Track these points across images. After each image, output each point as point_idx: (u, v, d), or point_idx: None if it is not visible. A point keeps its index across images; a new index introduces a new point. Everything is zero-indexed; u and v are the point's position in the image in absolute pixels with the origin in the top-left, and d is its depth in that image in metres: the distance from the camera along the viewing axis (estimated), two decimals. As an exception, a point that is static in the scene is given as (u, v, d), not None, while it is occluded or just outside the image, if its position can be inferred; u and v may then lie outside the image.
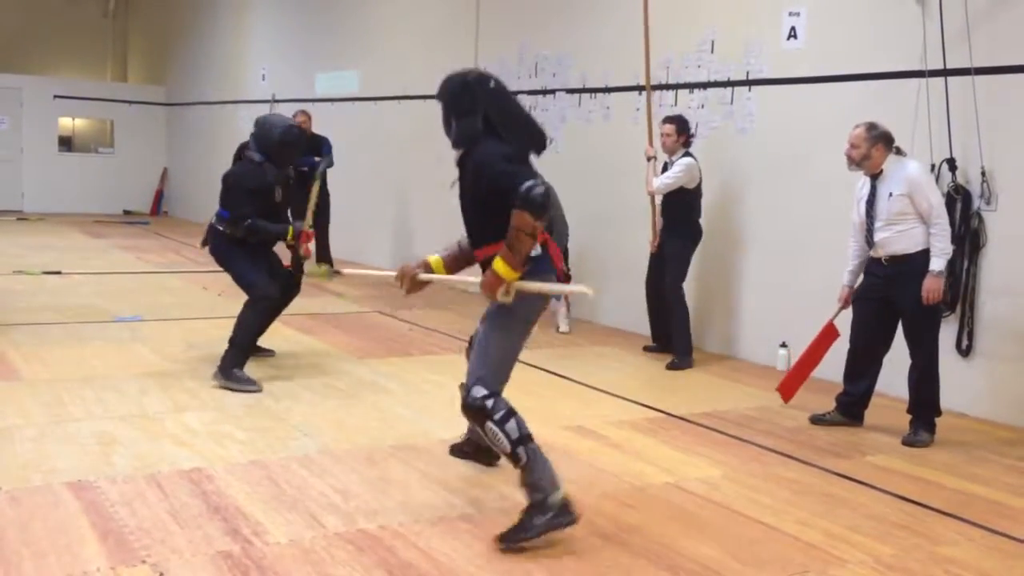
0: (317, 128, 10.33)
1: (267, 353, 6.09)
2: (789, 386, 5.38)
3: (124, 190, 17.13)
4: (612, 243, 7.90)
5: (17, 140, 16.36)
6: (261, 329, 5.76)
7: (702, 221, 6.56)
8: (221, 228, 5.61)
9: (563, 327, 7.57)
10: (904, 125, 5.53)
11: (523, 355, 6.74)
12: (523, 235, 3.24)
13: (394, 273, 3.74)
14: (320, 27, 12.50)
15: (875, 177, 4.89)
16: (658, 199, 6.57)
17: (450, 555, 3.26)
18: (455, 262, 3.78)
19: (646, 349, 6.86)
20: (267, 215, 5.61)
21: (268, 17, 14.01)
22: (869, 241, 4.94)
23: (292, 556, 3.19)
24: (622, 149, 7.78)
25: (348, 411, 5.04)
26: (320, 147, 10.14)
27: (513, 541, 3.29)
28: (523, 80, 8.87)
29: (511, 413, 3.36)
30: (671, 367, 6.37)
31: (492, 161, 3.37)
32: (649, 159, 6.54)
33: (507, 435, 3.32)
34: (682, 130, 6.41)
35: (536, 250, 3.38)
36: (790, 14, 6.44)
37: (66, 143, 17.17)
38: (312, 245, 6.28)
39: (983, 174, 5.34)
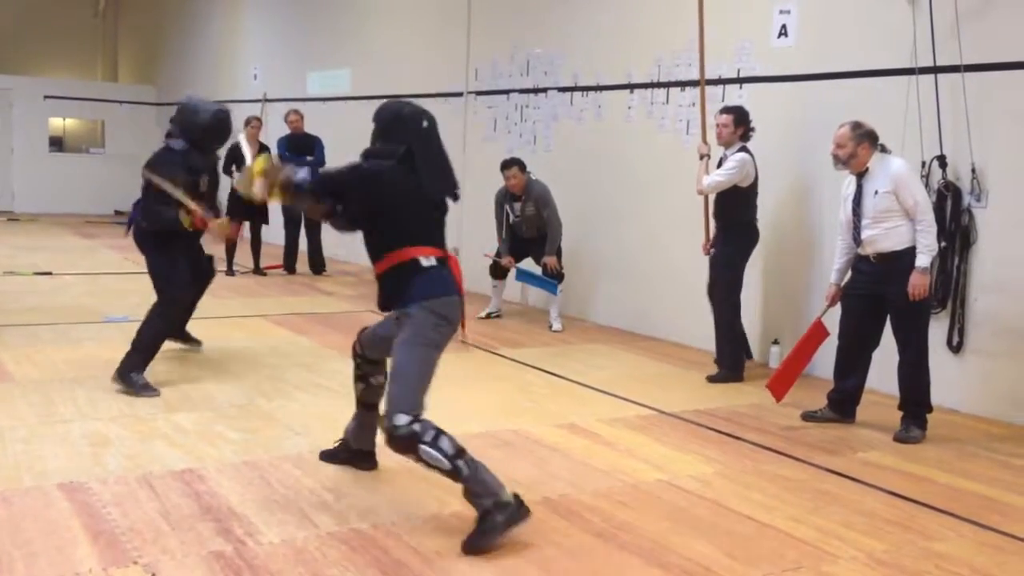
0: (309, 128, 10.32)
1: (195, 345, 6.02)
2: (780, 384, 5.36)
3: (115, 190, 17.03)
4: (604, 241, 7.91)
5: (7, 140, 16.30)
6: (169, 331, 5.49)
7: (759, 224, 6.07)
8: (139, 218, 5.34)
9: (556, 326, 7.56)
10: (894, 122, 5.55)
11: (516, 353, 6.74)
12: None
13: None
14: (312, 26, 12.48)
15: (861, 175, 4.90)
16: (710, 198, 6.11)
17: (443, 553, 3.25)
18: None
19: (711, 379, 5.99)
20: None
21: (260, 16, 13.98)
22: (856, 239, 4.96)
23: (284, 556, 3.18)
24: (614, 147, 7.79)
25: (340, 410, 5.00)
26: (312, 147, 10.14)
27: (477, 548, 3.24)
28: (515, 78, 8.88)
29: (439, 431, 3.32)
30: (712, 379, 5.98)
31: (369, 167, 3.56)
32: (702, 157, 6.05)
33: (443, 453, 3.27)
34: (740, 121, 5.86)
35: (429, 261, 3.49)
36: (781, 12, 6.45)
37: (57, 143, 17.11)
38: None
39: (973, 171, 5.36)
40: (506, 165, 7.57)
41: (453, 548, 3.30)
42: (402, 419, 3.29)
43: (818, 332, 5.31)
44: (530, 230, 7.61)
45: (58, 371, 5.54)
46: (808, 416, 5.16)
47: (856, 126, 4.86)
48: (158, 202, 5.13)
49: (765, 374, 6.27)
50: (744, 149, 5.90)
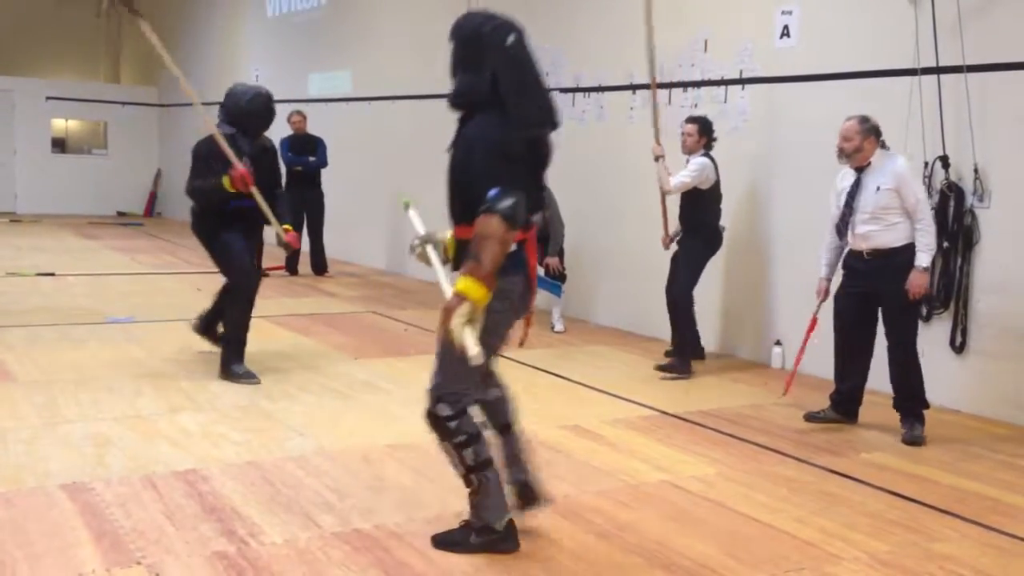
0: (311, 129, 10.33)
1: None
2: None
3: (117, 191, 17.10)
4: (606, 242, 7.90)
5: (10, 142, 16.33)
6: (247, 314, 5.56)
7: (726, 227, 6.40)
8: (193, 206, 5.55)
9: (558, 327, 7.57)
10: (897, 122, 5.54)
11: (519, 354, 6.76)
12: (490, 242, 2.91)
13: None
14: (313, 27, 12.49)
15: (861, 170, 4.89)
16: (672, 199, 6.39)
17: (445, 555, 3.25)
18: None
19: (660, 368, 6.20)
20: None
21: (261, 17, 13.99)
22: (843, 232, 4.94)
23: (287, 556, 3.18)
24: (616, 148, 7.79)
25: (343, 411, 5.03)
26: (315, 147, 10.15)
27: (444, 546, 3.27)
28: (517, 79, 8.88)
29: (472, 439, 3.15)
30: (662, 368, 6.16)
31: (482, 147, 3.05)
32: (657, 158, 6.28)
33: (463, 461, 3.16)
34: (704, 131, 6.22)
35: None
36: (783, 13, 6.45)
37: (59, 144, 17.14)
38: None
39: (976, 171, 5.35)
40: None
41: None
42: (444, 410, 3.13)
43: (813, 328, 5.25)
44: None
45: (61, 372, 5.54)
46: (811, 417, 5.16)
47: (863, 120, 4.85)
48: (196, 177, 5.39)
49: (765, 374, 6.28)
50: (706, 155, 6.24)
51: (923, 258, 4.75)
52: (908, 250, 4.78)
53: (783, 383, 5.51)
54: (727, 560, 3.30)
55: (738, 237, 6.75)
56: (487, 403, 3.38)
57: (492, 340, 3.13)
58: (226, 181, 5.26)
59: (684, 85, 7.19)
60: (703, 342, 6.69)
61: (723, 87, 6.85)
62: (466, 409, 3.18)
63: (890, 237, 4.80)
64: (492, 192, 2.94)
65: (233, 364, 5.48)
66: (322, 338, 6.90)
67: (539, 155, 3.21)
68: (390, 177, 10.86)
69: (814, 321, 5.24)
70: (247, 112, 5.49)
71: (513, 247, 3.05)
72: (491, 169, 3.01)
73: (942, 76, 5.44)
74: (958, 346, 5.48)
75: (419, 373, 5.94)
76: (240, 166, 5.26)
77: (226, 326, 5.62)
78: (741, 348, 6.82)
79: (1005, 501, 4.06)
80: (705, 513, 3.77)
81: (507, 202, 2.92)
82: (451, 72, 3.20)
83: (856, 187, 4.88)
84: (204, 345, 5.99)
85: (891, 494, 4.07)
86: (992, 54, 5.28)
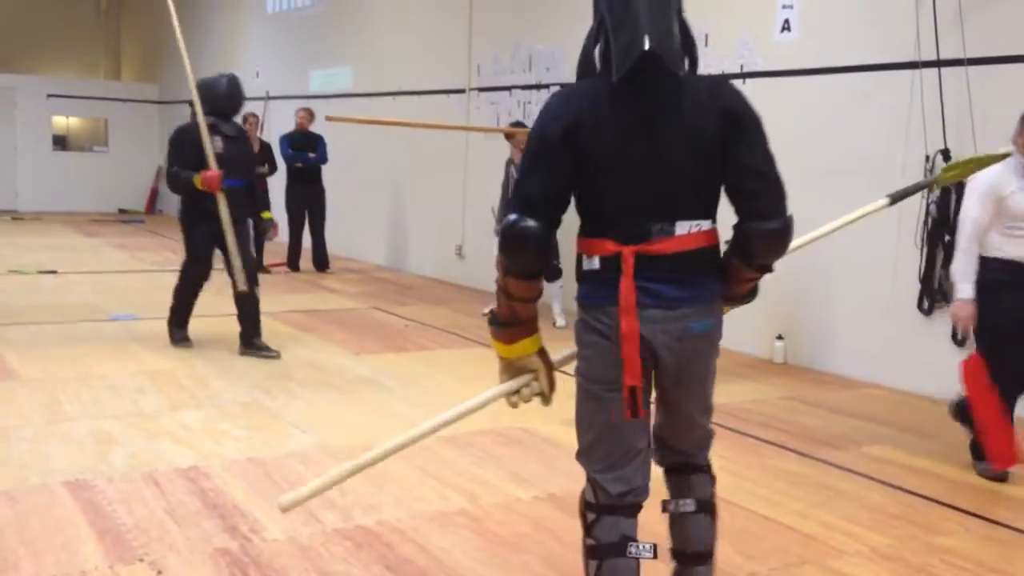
0: (312, 126, 10.32)
1: (269, 353, 6.07)
2: (1003, 452, 4.18)
3: (119, 189, 17.10)
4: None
5: (11, 139, 16.33)
6: (189, 293, 6.16)
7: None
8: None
9: (559, 321, 7.56)
10: (898, 116, 5.54)
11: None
12: (498, 289, 2.35)
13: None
14: (314, 24, 12.47)
15: None
16: None
17: (448, 550, 3.26)
18: None
19: None
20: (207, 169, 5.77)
21: (261, 13, 13.97)
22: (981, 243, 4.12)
23: (290, 552, 3.19)
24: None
25: (345, 407, 5.04)
26: (315, 144, 10.15)
27: None
28: (516, 75, 8.87)
29: (600, 553, 2.35)
30: None
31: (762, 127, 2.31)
32: None
33: (585, 571, 2.42)
34: None
35: (592, 264, 2.28)
36: (784, 7, 6.43)
37: (60, 142, 17.14)
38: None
39: (977, 165, 5.34)
40: (509, 133, 7.56)
41: (458, 544, 3.30)
42: (587, 494, 2.42)
43: (977, 368, 4.16)
44: None
45: (63, 370, 5.55)
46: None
47: None
48: (171, 164, 5.96)
49: (769, 369, 6.27)
50: None
51: None
52: None
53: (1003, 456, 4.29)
54: (730, 554, 3.30)
55: (739, 231, 6.73)
56: (672, 515, 2.55)
57: (590, 391, 2.34)
58: (197, 180, 5.75)
59: (685, 79, 7.16)
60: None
61: (724, 81, 6.83)
62: (612, 507, 2.36)
63: None
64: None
65: (173, 328, 6.19)
66: (323, 334, 6.91)
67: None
68: (391, 174, 10.85)
69: (978, 360, 4.16)
70: (227, 95, 6.00)
71: (594, 264, 2.28)
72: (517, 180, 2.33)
73: (943, 69, 5.43)
74: (960, 339, 5.48)
75: (420, 369, 5.99)
76: (214, 168, 5.72)
77: (173, 297, 6.19)
78: (744, 343, 6.82)
79: (1006, 494, 4.06)
80: (707, 508, 3.77)
81: (506, 229, 2.29)
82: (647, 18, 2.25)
83: None
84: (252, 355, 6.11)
85: (892, 487, 4.07)
86: (993, 47, 5.26)
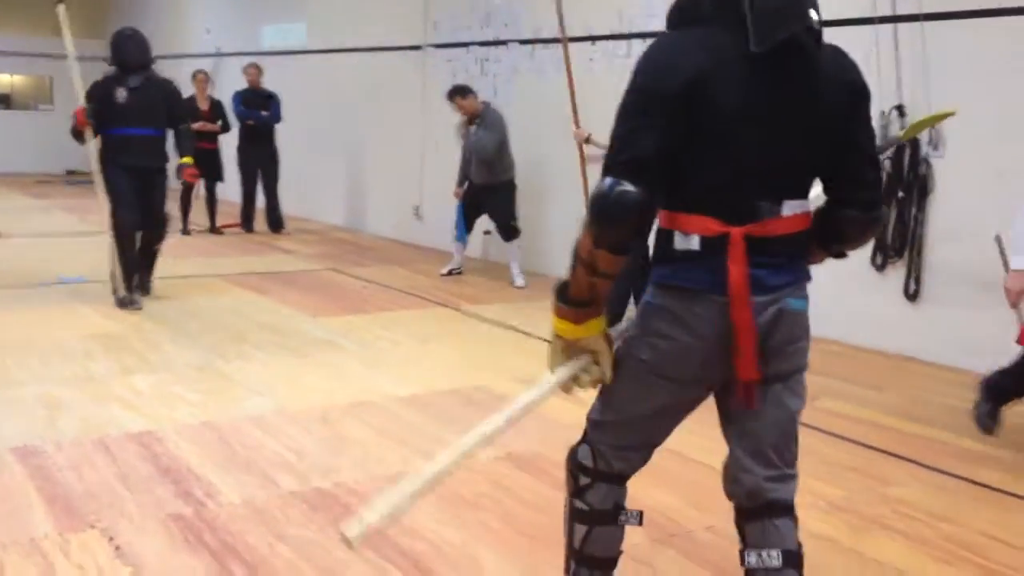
0: (264, 83, 10.11)
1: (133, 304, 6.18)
2: None
3: (66, 149, 16.48)
4: (565, 197, 7.85)
5: (-49, 98, 15.79)
6: (124, 246, 6.14)
7: None
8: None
9: (518, 281, 7.54)
10: (854, 72, 5.54)
11: (479, 310, 6.70)
12: (578, 261, 2.09)
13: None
14: (265, -22, 12.16)
15: None
16: (587, 167, 6.06)
17: (407, 512, 3.23)
18: None
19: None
20: (113, 119, 6.17)
21: (210, -32, 13.60)
22: None
23: (245, 516, 3.15)
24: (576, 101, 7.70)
25: (301, 370, 4.98)
26: (268, 102, 9.94)
27: None
28: (474, 30, 8.74)
29: (594, 518, 2.26)
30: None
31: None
32: (586, 141, 5.93)
33: (569, 535, 2.32)
34: None
35: (689, 243, 2.02)
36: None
37: (4, 100, 16.62)
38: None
39: (931, 121, 5.37)
40: (449, 97, 7.51)
41: (419, 505, 3.28)
42: (584, 453, 2.33)
43: None
44: (480, 169, 7.48)
45: (11, 333, 5.41)
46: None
47: None
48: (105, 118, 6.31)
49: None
50: None
51: None
52: None
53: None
54: (687, 508, 3.34)
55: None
56: (747, 571, 2.24)
57: (645, 383, 2.22)
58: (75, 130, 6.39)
59: (644, 36, 7.09)
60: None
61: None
62: (615, 478, 2.29)
63: None
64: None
65: (117, 288, 6.13)
66: (279, 296, 6.82)
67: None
68: (347, 132, 10.68)
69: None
70: (128, 50, 6.53)
71: (692, 243, 2.02)
72: (613, 134, 2.06)
73: (899, 25, 5.44)
74: (911, 294, 5.56)
75: (379, 331, 5.94)
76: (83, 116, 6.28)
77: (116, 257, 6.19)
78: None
79: (956, 444, 4.14)
80: (666, 463, 3.76)
81: (600, 194, 2.02)
82: None
83: None
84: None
85: (846, 440, 4.13)
86: (949, 2, 5.27)
